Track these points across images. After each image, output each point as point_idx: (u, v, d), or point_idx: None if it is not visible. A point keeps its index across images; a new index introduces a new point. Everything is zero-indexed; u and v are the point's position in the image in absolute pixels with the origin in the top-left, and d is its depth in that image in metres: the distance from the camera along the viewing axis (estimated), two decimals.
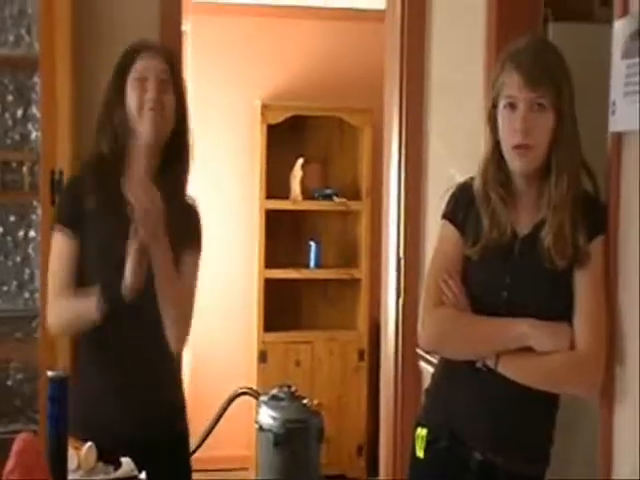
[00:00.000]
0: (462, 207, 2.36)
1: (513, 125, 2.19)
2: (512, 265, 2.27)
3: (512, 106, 2.20)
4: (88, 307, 2.43)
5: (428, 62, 3.70)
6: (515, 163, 2.23)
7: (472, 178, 2.39)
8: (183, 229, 2.54)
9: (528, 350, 2.21)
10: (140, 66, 2.51)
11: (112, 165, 2.53)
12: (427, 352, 3.22)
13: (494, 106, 2.26)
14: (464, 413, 2.33)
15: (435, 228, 3.63)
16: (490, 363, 2.26)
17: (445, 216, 2.41)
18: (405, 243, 3.77)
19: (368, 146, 5.73)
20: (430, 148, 3.69)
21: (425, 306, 2.37)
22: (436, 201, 3.62)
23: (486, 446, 2.29)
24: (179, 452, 2.64)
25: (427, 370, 3.54)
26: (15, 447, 1.77)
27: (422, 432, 2.40)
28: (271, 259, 5.65)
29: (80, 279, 2.51)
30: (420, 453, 2.40)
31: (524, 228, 2.28)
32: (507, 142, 2.23)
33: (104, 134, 2.54)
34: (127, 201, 2.41)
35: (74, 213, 2.51)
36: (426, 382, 3.45)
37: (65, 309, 2.52)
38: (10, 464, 1.74)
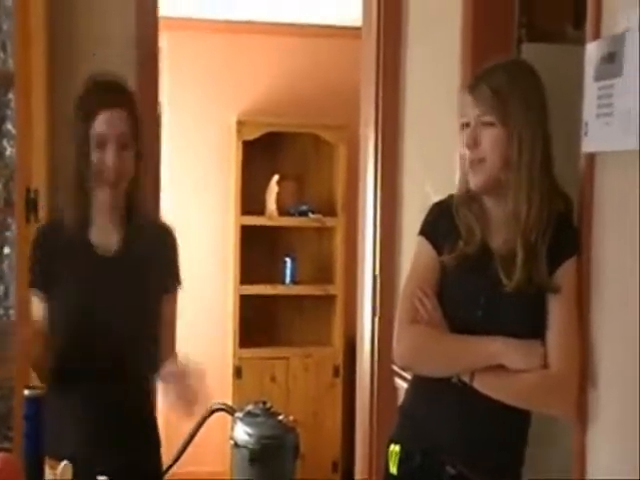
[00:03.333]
0: (440, 224, 2.38)
1: (464, 142, 2.26)
2: (487, 285, 2.28)
3: (466, 125, 2.27)
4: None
5: (404, 79, 3.73)
6: (469, 179, 2.29)
7: (451, 196, 2.41)
8: (162, 265, 2.57)
9: (503, 367, 2.23)
10: (99, 129, 2.42)
11: (79, 217, 2.51)
12: (402, 369, 3.23)
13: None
14: (435, 427, 2.34)
15: (411, 246, 3.65)
16: (465, 379, 2.27)
17: (422, 232, 2.42)
18: (381, 261, 3.78)
19: (343, 162, 5.74)
20: (405, 165, 3.71)
21: (400, 323, 2.37)
22: (412, 219, 3.64)
23: (457, 459, 2.30)
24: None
25: (403, 387, 3.54)
26: None
27: (395, 449, 2.41)
28: (246, 275, 5.65)
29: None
30: (393, 470, 2.40)
31: (499, 249, 2.29)
32: (462, 158, 2.29)
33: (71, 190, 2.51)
34: (93, 254, 2.49)
35: (44, 274, 2.51)
36: (402, 399, 3.46)
37: None
38: None
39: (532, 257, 2.20)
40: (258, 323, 5.78)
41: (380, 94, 3.80)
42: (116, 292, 2.48)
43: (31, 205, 3.14)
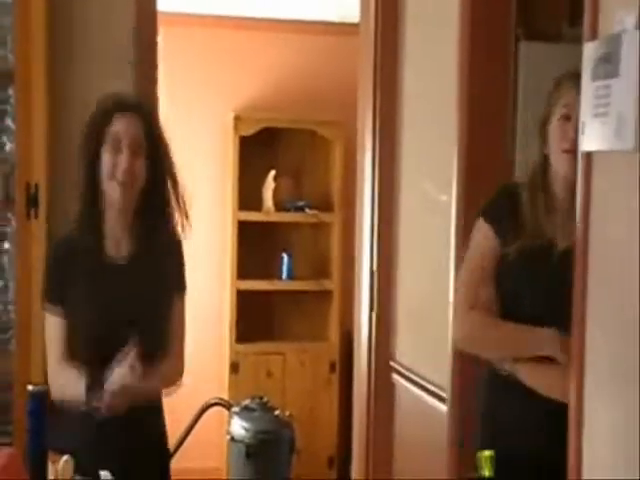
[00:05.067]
0: (503, 208, 2.49)
1: (567, 132, 2.41)
2: (546, 276, 2.38)
3: (566, 117, 2.42)
4: (76, 389, 2.45)
5: (401, 75, 3.74)
6: (565, 165, 2.40)
7: (516, 182, 2.55)
8: (169, 270, 2.64)
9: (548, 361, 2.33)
10: (115, 129, 2.52)
11: (90, 229, 2.56)
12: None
13: (544, 124, 2.49)
14: (514, 421, 2.44)
15: (409, 241, 3.68)
16: (510, 369, 2.39)
17: (484, 215, 2.51)
18: (378, 256, 3.80)
19: (340, 158, 5.76)
20: (403, 161, 3.73)
21: (458, 308, 2.52)
22: (409, 214, 3.66)
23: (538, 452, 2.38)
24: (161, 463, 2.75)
25: (399, 382, 3.56)
26: None
27: (485, 453, 2.46)
28: (243, 270, 5.66)
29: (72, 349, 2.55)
30: (486, 472, 2.45)
31: (563, 241, 2.39)
32: (559, 147, 2.44)
33: (84, 197, 2.56)
34: (105, 263, 2.55)
35: (60, 289, 2.56)
36: (399, 395, 3.49)
37: (58, 378, 2.53)
38: None
39: None
40: (255, 318, 5.79)
41: (378, 90, 3.82)
42: (128, 299, 2.54)
43: (31, 200, 3.16)
